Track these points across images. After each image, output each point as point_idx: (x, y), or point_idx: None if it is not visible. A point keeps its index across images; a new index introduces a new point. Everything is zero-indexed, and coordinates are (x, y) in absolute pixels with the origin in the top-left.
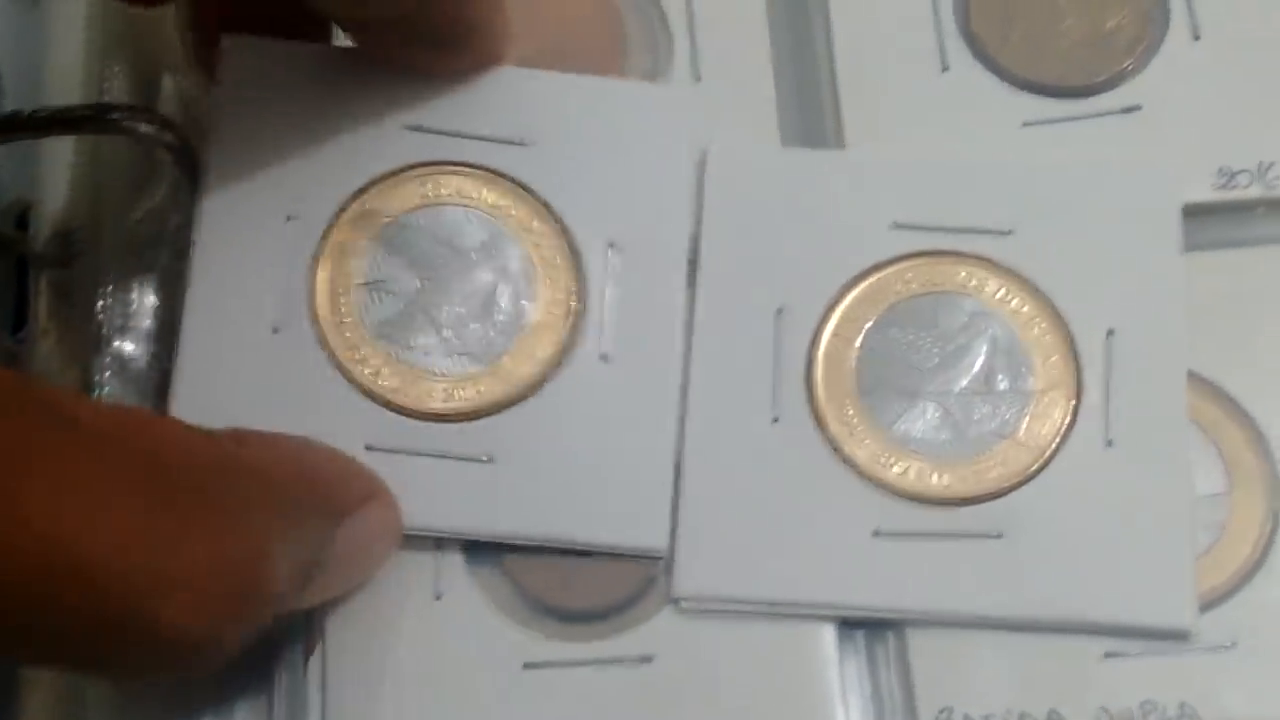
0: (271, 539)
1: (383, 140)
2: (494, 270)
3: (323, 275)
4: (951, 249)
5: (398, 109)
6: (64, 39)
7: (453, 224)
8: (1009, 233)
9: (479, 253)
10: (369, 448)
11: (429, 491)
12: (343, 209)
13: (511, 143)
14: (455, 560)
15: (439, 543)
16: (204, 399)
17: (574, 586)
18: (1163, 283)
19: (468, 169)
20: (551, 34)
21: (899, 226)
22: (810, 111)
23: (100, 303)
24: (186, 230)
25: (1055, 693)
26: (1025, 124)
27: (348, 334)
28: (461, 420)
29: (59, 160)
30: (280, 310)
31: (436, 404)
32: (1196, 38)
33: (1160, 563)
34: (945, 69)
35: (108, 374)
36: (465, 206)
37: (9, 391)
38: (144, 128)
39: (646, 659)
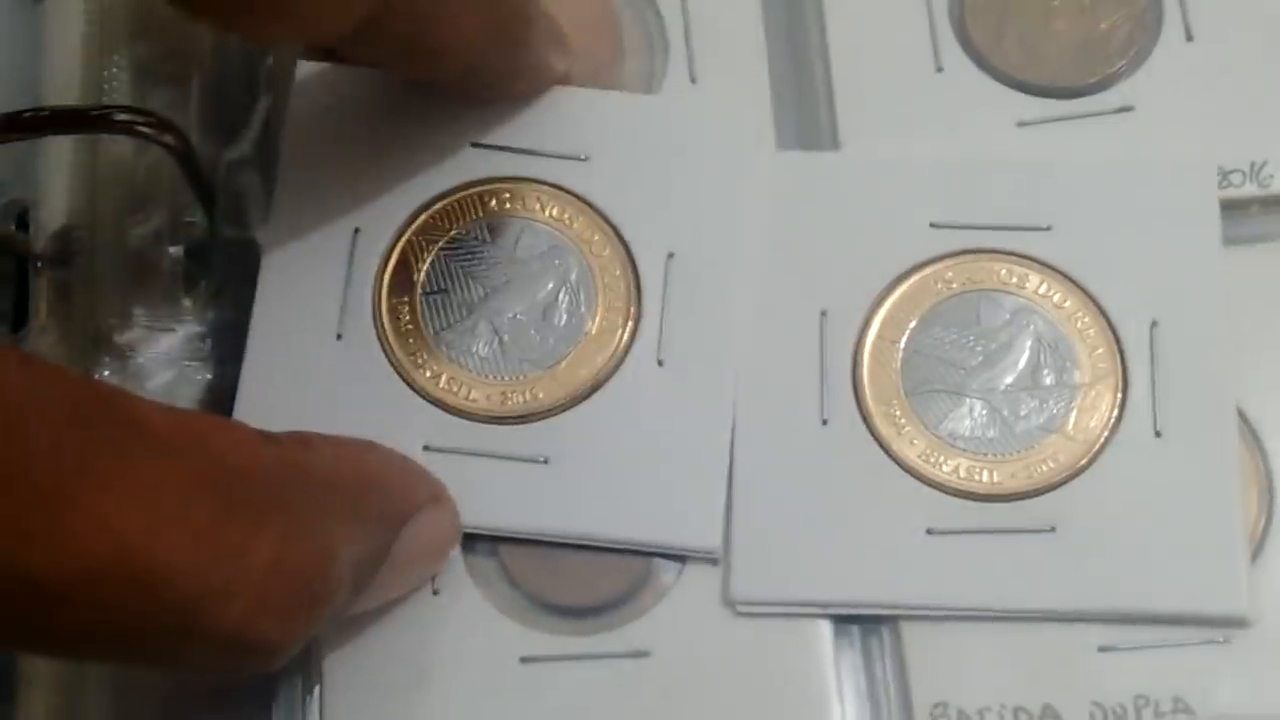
0: (336, 543)
1: (449, 158)
2: (554, 279)
3: (387, 285)
4: (990, 247)
5: (463, 128)
6: (64, 38)
7: (515, 236)
8: (1047, 228)
9: (540, 262)
10: (427, 448)
11: (486, 491)
12: (409, 222)
13: (572, 158)
14: (453, 556)
15: None
16: (269, 400)
17: (570, 582)
18: (1204, 273)
19: (530, 183)
20: None
21: (937, 226)
22: (806, 112)
23: (99, 302)
24: (186, 229)
25: (1050, 686)
26: (1020, 124)
27: (410, 340)
28: (519, 422)
29: (59, 160)
30: (345, 318)
31: (494, 406)
32: (1190, 39)
33: (1213, 551)
34: (939, 70)
35: (107, 372)
36: (527, 219)
37: (80, 397)
38: (142, 127)
39: (643, 654)
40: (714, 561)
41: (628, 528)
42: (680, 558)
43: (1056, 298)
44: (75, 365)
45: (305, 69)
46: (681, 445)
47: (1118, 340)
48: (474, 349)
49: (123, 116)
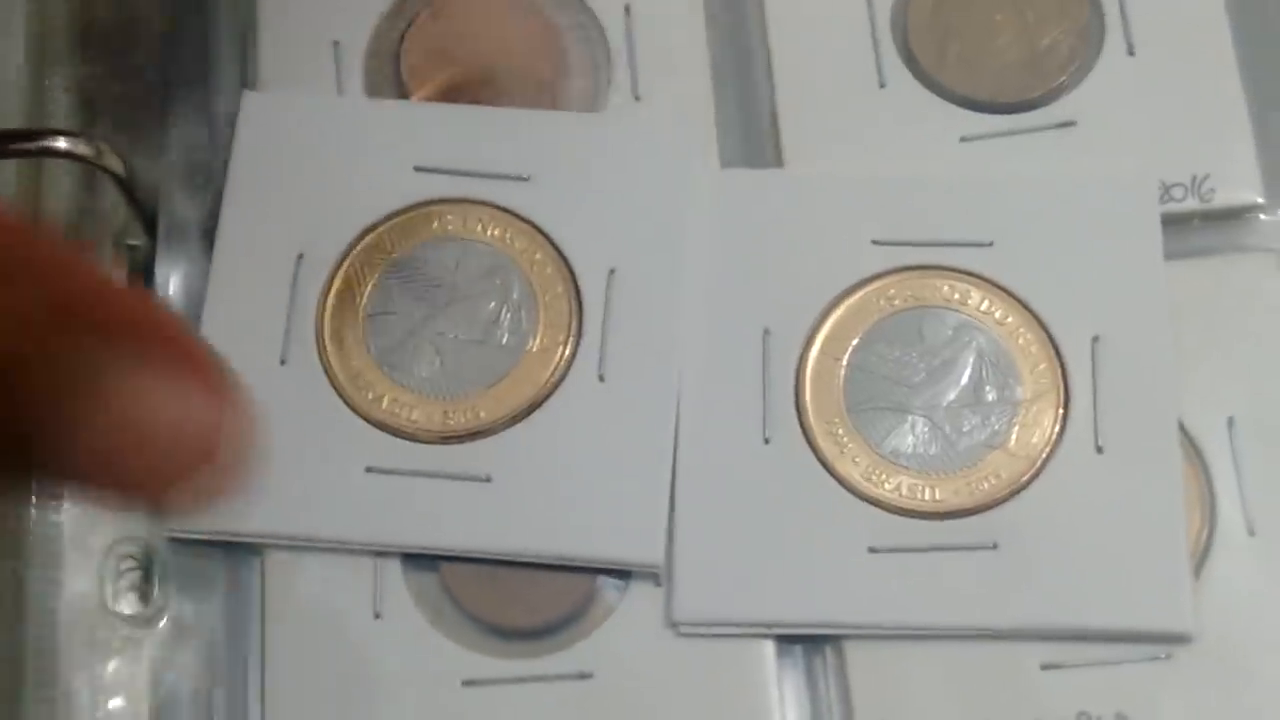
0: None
1: (391, 181)
2: (496, 299)
3: (330, 309)
4: (933, 263)
5: (406, 151)
6: (5, 60)
7: (457, 256)
8: (989, 244)
9: (482, 283)
10: (370, 470)
11: (429, 511)
12: (353, 246)
13: (514, 178)
14: (395, 580)
15: (379, 563)
16: None
17: (514, 604)
18: (1146, 288)
19: (472, 204)
20: (493, 56)
21: (879, 243)
22: (749, 129)
23: None
24: (130, 251)
25: (993, 705)
26: (963, 139)
27: (353, 363)
28: (461, 441)
29: (1, 182)
30: (289, 342)
31: (436, 426)
32: (1131, 54)
33: (1156, 567)
34: (883, 86)
35: None
36: (469, 240)
37: None
38: (83, 150)
39: (585, 675)
40: (656, 580)
41: (570, 543)
42: (623, 576)
43: (998, 314)
44: None
45: (251, 97)
46: (623, 460)
47: (1059, 356)
48: (416, 370)
49: (61, 142)
